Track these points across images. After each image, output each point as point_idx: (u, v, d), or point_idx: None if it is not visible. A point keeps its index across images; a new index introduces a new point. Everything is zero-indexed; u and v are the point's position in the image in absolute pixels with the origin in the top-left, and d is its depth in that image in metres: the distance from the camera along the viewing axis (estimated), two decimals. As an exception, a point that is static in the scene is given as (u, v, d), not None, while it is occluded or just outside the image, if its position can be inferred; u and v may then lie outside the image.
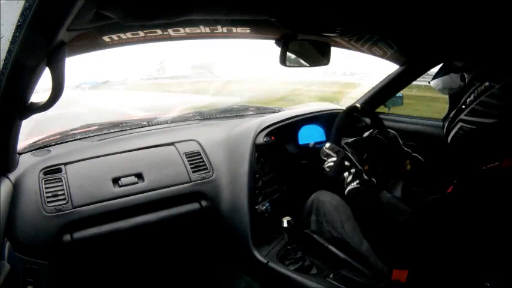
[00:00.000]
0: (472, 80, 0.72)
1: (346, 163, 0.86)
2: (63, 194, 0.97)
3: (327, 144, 0.93)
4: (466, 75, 0.74)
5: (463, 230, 0.65)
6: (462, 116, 0.72)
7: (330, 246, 1.08)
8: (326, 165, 0.90)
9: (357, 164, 0.86)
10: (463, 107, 0.72)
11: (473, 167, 0.73)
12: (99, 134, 1.28)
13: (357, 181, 0.82)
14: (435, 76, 0.82)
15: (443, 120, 0.80)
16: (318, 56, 1.18)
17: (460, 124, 0.73)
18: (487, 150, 0.72)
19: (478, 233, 0.64)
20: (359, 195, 0.80)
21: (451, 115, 0.76)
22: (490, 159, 0.71)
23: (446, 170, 0.81)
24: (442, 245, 0.68)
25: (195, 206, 1.16)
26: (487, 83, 0.68)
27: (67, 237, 0.94)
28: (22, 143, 1.14)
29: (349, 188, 0.83)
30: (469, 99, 0.71)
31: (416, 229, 0.71)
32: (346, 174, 0.85)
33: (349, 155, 0.88)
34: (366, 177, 0.84)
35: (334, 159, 0.89)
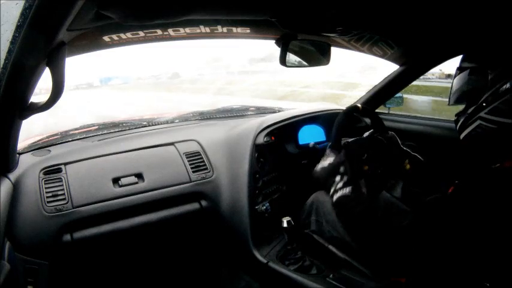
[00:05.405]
0: (496, 78, 0.69)
1: (342, 168, 0.84)
2: (63, 194, 0.97)
3: (330, 146, 0.91)
4: (489, 72, 0.70)
5: (463, 230, 0.65)
6: (482, 114, 0.69)
7: (330, 246, 1.08)
8: (320, 165, 0.88)
9: (353, 172, 0.84)
10: (484, 104, 0.69)
11: (482, 166, 0.72)
12: (99, 134, 1.28)
13: (349, 188, 0.80)
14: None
15: (458, 115, 0.77)
16: (318, 56, 1.18)
17: (478, 122, 0.70)
18: (496, 150, 0.70)
19: (479, 232, 0.64)
20: (350, 204, 0.79)
21: (469, 111, 0.73)
22: (493, 160, 0.70)
23: (447, 170, 0.79)
24: (444, 246, 0.67)
25: (195, 206, 1.16)
26: None
27: (67, 237, 0.94)
28: (22, 143, 1.14)
29: (338, 194, 0.81)
30: (491, 97, 0.68)
31: (418, 236, 0.69)
32: (338, 178, 0.83)
33: (347, 162, 0.86)
34: (362, 187, 0.82)
35: (332, 160, 0.87)
